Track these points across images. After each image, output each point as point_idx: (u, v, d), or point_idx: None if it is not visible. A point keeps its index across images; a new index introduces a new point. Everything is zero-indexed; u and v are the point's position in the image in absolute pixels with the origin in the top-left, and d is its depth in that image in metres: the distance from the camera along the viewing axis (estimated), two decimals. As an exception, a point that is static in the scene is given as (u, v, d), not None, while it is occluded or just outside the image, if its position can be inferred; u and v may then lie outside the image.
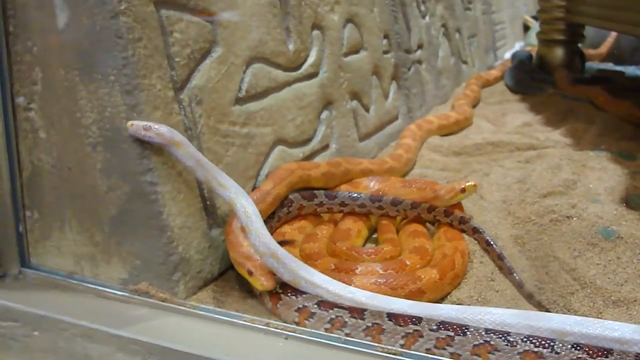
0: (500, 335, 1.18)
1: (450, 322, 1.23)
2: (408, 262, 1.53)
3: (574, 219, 1.72)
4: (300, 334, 1.25)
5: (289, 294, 1.36)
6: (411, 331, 1.23)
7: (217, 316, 1.32)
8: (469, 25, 4.12)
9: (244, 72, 1.66)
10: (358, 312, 1.27)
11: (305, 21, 1.95)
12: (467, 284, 1.53)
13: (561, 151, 2.38)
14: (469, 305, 1.44)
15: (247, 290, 1.50)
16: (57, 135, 1.41)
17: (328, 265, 1.51)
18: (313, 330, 1.28)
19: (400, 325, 1.23)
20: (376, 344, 1.22)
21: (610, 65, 4.25)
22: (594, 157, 2.27)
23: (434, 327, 1.21)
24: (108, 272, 1.45)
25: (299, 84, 1.92)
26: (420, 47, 3.11)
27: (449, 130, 2.82)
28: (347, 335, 1.26)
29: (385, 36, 2.64)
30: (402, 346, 1.23)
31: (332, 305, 1.30)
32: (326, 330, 1.28)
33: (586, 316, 1.39)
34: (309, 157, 1.95)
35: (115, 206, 1.39)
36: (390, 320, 1.25)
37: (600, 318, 1.38)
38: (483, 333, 1.19)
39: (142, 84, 1.32)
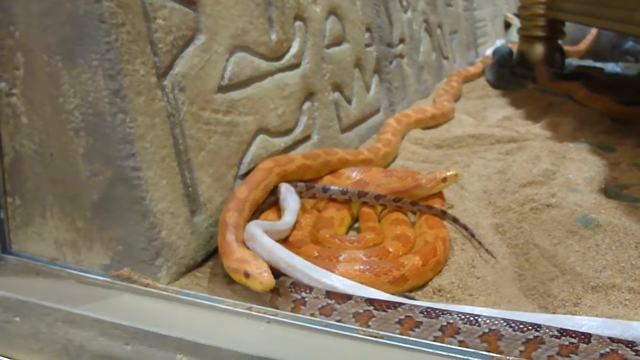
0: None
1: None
2: (391, 249, 1.54)
3: (554, 207, 1.74)
4: (282, 317, 1.25)
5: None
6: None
7: (199, 301, 1.32)
8: (450, 21, 4.13)
9: (227, 60, 1.66)
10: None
11: (287, 12, 1.95)
12: (449, 270, 1.54)
13: (541, 143, 2.41)
14: (449, 291, 1.45)
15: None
16: (40, 120, 1.40)
17: (311, 253, 1.51)
18: (295, 314, 1.29)
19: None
20: (359, 327, 1.23)
21: (589, 62, 4.28)
22: (573, 149, 2.29)
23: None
24: (90, 258, 1.45)
25: (282, 74, 1.93)
26: (402, 41, 3.12)
27: (426, 124, 2.83)
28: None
29: (368, 29, 2.65)
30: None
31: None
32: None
33: (565, 301, 1.41)
34: (291, 147, 1.96)
35: (98, 191, 1.38)
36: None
37: (579, 304, 1.40)
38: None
39: (126, 69, 1.31)
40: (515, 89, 3.60)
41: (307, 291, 1.32)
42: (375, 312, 1.24)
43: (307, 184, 1.81)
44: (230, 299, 1.33)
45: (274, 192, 1.75)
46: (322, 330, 1.22)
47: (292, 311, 1.31)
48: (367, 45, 2.64)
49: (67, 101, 1.35)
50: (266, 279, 1.30)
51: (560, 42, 4.02)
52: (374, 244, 1.60)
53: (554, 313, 1.38)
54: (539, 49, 3.88)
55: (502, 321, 1.18)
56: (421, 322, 1.21)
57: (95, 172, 1.37)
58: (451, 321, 1.20)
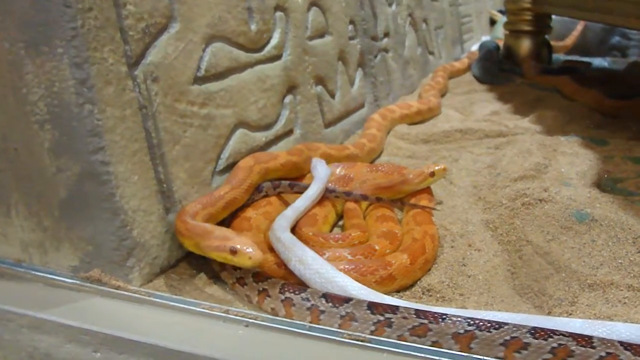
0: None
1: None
2: (377, 247, 1.47)
3: (547, 202, 1.67)
4: (261, 321, 1.17)
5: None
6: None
7: (173, 304, 1.24)
8: (435, 16, 4.07)
9: (204, 50, 1.58)
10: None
11: (267, 2, 1.87)
12: (438, 269, 1.47)
13: (531, 137, 2.35)
14: (439, 290, 1.38)
15: (209, 277, 1.44)
16: (2, 113, 1.32)
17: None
18: (275, 317, 1.21)
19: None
20: (343, 331, 1.15)
21: (576, 57, 4.24)
22: (565, 143, 2.23)
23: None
24: (58, 259, 1.37)
25: (262, 65, 1.85)
26: (386, 35, 3.05)
27: (412, 120, 2.76)
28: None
29: (351, 22, 2.58)
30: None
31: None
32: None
33: (561, 300, 1.34)
34: (272, 141, 1.88)
35: (65, 188, 1.30)
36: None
37: (576, 303, 1.33)
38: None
39: (93, 57, 1.23)
40: (503, 84, 3.55)
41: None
42: (478, 332, 1.12)
43: (274, 181, 1.73)
44: (206, 302, 1.24)
45: (258, 189, 1.69)
46: (304, 334, 1.15)
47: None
48: (351, 38, 2.56)
49: (30, 92, 1.26)
50: (255, 253, 1.24)
51: (547, 37, 3.97)
52: (360, 242, 1.53)
53: (549, 313, 1.32)
54: (525, 44, 3.82)
55: (617, 344, 1.07)
56: (529, 344, 1.10)
57: (62, 168, 1.29)
58: (562, 343, 1.08)
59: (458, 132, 2.50)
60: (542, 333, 1.09)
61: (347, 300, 1.20)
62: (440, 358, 1.07)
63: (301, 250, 1.33)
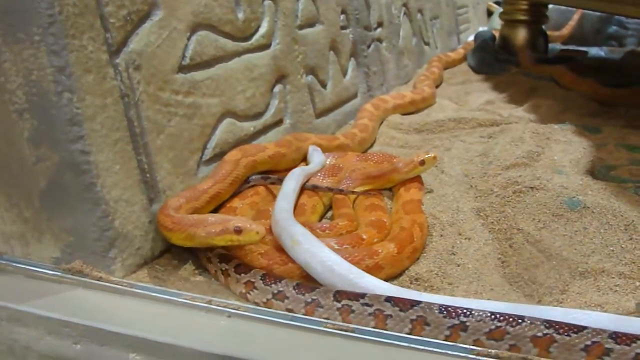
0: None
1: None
2: (365, 236, 1.45)
3: (538, 190, 1.65)
4: (244, 311, 1.15)
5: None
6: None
7: (154, 294, 1.21)
8: (431, 6, 4.03)
9: (189, 38, 1.56)
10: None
11: (256, -10, 1.85)
12: (427, 258, 1.45)
13: (525, 125, 2.32)
14: (427, 279, 1.36)
15: (194, 268, 1.42)
16: (-20, 103, 1.29)
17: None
18: (258, 308, 1.19)
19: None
20: (325, 320, 1.13)
21: (573, 47, 4.21)
22: (558, 130, 2.21)
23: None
24: (39, 250, 1.34)
25: (250, 54, 1.82)
26: (380, 25, 3.02)
27: (405, 110, 2.73)
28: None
29: (343, 11, 2.55)
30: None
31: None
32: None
33: (551, 288, 1.32)
34: (261, 131, 1.86)
35: (45, 178, 1.28)
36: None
37: (567, 291, 1.31)
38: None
39: (72, 44, 1.21)
40: (498, 74, 3.52)
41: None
42: (557, 336, 1.06)
43: (264, 175, 1.72)
44: (188, 292, 1.22)
45: (246, 182, 1.67)
46: (288, 325, 1.12)
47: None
48: (343, 28, 2.53)
49: (8, 80, 1.24)
50: (259, 228, 1.28)
51: (543, 27, 3.95)
52: (347, 231, 1.51)
53: (539, 301, 1.30)
54: (521, 33, 3.80)
55: None
56: (611, 350, 1.03)
57: (42, 157, 1.26)
58: None
59: (452, 121, 2.48)
60: (625, 338, 1.03)
61: (415, 303, 1.14)
62: (426, 347, 1.05)
63: (321, 250, 1.30)
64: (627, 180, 1.73)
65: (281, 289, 1.23)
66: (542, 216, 1.56)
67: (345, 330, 1.09)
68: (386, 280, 1.36)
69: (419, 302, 1.14)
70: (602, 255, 1.41)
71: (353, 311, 1.16)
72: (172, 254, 1.46)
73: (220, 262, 1.35)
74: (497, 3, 5.67)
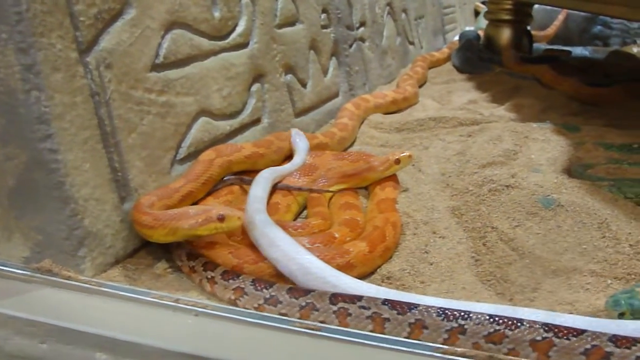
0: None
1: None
2: (337, 235, 1.45)
3: (514, 188, 1.65)
4: (212, 310, 1.14)
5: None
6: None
7: (122, 293, 1.20)
8: (416, 6, 4.03)
9: (162, 37, 1.55)
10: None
11: (233, -11, 1.85)
12: (399, 256, 1.45)
13: (504, 124, 2.32)
14: (399, 278, 1.36)
15: (167, 266, 1.42)
16: (-52, 101, 1.29)
17: (251, 241, 1.40)
18: (225, 306, 1.18)
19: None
20: (294, 319, 1.13)
21: (558, 47, 4.22)
22: (537, 129, 2.21)
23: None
24: (9, 249, 1.33)
25: (227, 53, 1.82)
26: (363, 24, 3.02)
27: (386, 109, 2.72)
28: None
29: (324, 11, 2.54)
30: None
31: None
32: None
33: (523, 287, 1.32)
34: (238, 130, 1.85)
35: (14, 177, 1.27)
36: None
37: (539, 289, 1.31)
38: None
39: (40, 42, 1.20)
40: (482, 73, 3.52)
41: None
42: (556, 339, 1.04)
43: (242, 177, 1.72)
44: (156, 291, 1.22)
45: (221, 182, 1.67)
46: (255, 323, 1.12)
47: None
48: (324, 27, 2.53)
49: (-24, 78, 1.23)
50: (240, 213, 1.34)
51: (528, 27, 3.95)
52: (320, 230, 1.50)
53: (511, 299, 1.30)
54: (505, 33, 3.80)
55: None
56: (612, 353, 1.01)
57: (10, 156, 1.26)
58: None
59: (432, 120, 2.48)
60: (625, 341, 1.01)
61: (412, 306, 1.13)
62: (393, 346, 1.05)
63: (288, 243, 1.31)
64: (603, 178, 1.73)
65: (273, 293, 1.22)
66: (517, 214, 1.56)
67: (313, 329, 1.09)
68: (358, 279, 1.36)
69: (416, 305, 1.12)
70: (575, 254, 1.42)
71: (350, 314, 1.15)
72: (145, 253, 1.46)
73: (205, 270, 1.33)
74: (484, 3, 5.67)
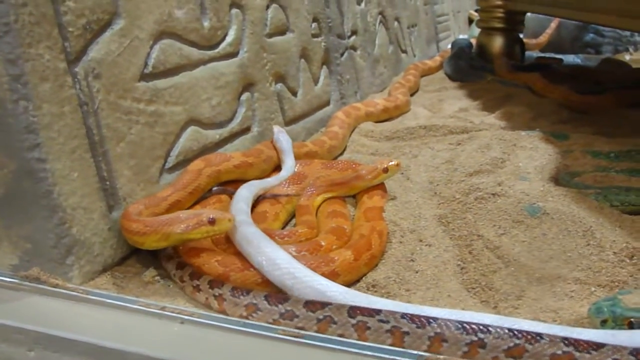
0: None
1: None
2: (323, 243, 1.46)
3: (500, 196, 1.67)
4: (198, 317, 1.15)
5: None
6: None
7: (109, 301, 1.22)
8: (408, 14, 4.06)
9: (151, 47, 1.56)
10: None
11: (222, -1, 1.86)
12: (385, 264, 1.46)
13: (493, 132, 2.34)
14: (384, 286, 1.37)
15: (155, 274, 1.42)
16: (-62, 111, 1.30)
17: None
18: (211, 314, 1.19)
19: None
20: (277, 327, 1.14)
21: (550, 55, 4.24)
22: (525, 137, 2.23)
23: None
24: (-2, 258, 1.35)
25: (216, 63, 1.83)
26: (354, 33, 3.04)
27: (377, 117, 2.74)
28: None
29: (315, 20, 2.56)
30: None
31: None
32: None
33: (508, 294, 1.33)
34: (227, 139, 1.86)
35: (2, 186, 1.28)
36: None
37: (523, 297, 1.32)
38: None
39: (28, 53, 1.21)
40: (474, 81, 3.54)
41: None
42: (577, 353, 1.03)
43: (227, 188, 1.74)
44: (143, 299, 1.23)
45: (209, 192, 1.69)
46: (240, 331, 1.13)
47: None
48: (315, 36, 2.54)
49: (-35, 88, 1.24)
50: (230, 215, 1.36)
51: (521, 35, 3.97)
52: (307, 238, 1.51)
53: (495, 307, 1.31)
54: (497, 41, 3.83)
55: None
56: None
57: (-1, 165, 1.27)
58: None
59: (422, 128, 2.49)
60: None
61: (431, 320, 1.12)
62: (375, 353, 1.06)
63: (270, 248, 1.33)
64: (589, 186, 1.74)
65: (289, 308, 1.20)
66: (503, 222, 1.58)
67: (296, 337, 1.10)
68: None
69: (435, 319, 1.11)
70: (560, 261, 1.43)
71: (369, 328, 1.14)
72: (133, 261, 1.47)
73: (212, 287, 1.31)
74: (477, 11, 5.71)
